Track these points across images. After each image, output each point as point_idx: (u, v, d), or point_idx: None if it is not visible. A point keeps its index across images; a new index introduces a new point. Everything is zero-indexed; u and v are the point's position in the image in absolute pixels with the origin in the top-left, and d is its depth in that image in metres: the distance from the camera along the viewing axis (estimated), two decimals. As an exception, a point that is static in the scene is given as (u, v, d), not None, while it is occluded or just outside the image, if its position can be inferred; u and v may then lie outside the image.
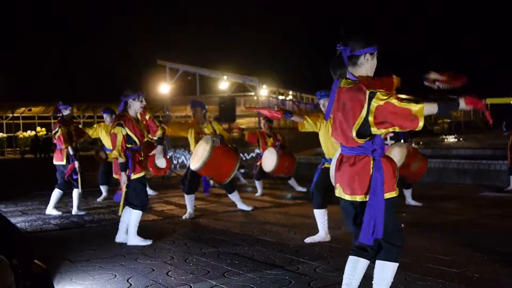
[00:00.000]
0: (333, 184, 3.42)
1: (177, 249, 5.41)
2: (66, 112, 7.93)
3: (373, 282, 3.30)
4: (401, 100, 2.95)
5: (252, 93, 16.81)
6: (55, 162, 7.88)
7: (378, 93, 3.00)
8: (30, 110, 36.02)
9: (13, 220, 7.29)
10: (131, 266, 4.75)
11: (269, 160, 9.23)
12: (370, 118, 3.02)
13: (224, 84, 17.19)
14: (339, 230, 5.99)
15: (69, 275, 4.49)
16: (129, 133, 5.58)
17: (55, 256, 5.13)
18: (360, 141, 3.09)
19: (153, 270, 4.60)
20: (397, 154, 6.97)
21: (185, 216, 7.32)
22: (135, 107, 5.71)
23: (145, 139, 5.85)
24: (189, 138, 7.43)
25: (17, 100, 33.92)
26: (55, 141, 7.85)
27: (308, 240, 5.58)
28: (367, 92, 3.01)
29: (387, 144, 7.07)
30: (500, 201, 8.20)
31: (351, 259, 3.31)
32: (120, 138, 5.53)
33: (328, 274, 4.28)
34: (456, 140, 20.69)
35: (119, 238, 5.82)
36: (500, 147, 11.21)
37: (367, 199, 3.10)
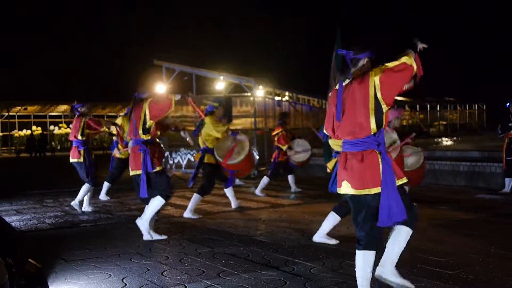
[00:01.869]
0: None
1: (172, 249, 5.41)
2: (82, 109, 8.10)
3: (386, 244, 3.52)
4: (393, 62, 3.34)
5: (249, 94, 16.80)
6: (71, 160, 8.04)
7: (376, 69, 3.36)
8: (25, 109, 35.83)
9: (8, 219, 7.27)
10: (126, 265, 4.74)
11: (303, 151, 9.83)
12: (378, 94, 3.30)
13: (220, 84, 17.17)
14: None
15: (63, 274, 4.48)
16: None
17: (49, 255, 5.12)
18: (373, 125, 3.32)
19: (148, 270, 4.59)
20: (413, 157, 7.04)
21: (190, 215, 7.38)
22: None
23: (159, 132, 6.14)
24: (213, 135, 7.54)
25: (12, 99, 33.80)
26: (72, 138, 8.03)
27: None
28: (370, 72, 3.36)
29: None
30: (494, 203, 8.22)
31: (361, 254, 3.45)
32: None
33: (323, 275, 4.29)
34: (451, 142, 20.75)
35: (146, 237, 5.92)
36: (495, 149, 11.25)
37: (380, 191, 3.31)
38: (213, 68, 17.78)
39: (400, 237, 3.52)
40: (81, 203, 8.06)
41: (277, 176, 10.19)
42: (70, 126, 8.56)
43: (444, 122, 37.27)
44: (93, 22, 45.58)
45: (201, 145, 7.61)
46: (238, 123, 16.84)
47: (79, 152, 7.90)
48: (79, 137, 7.89)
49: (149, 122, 5.86)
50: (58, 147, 33.66)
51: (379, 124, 3.35)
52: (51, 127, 34.91)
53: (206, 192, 7.59)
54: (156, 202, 5.87)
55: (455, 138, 24.12)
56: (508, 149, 9.27)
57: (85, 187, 7.95)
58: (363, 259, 3.44)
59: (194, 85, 17.24)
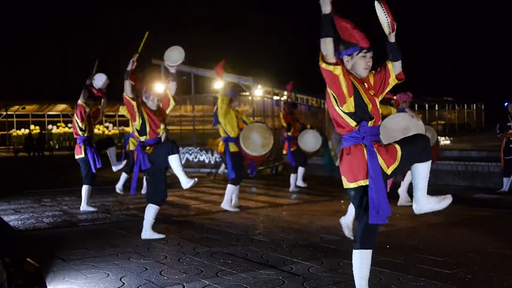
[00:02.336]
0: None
1: (171, 248, 5.40)
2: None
3: (413, 185, 3.63)
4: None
5: (247, 93, 16.78)
6: (76, 157, 8.14)
7: None
8: (24, 108, 35.83)
9: (6, 218, 7.26)
10: (124, 265, 4.73)
11: (314, 139, 10.01)
12: (331, 92, 3.39)
13: (219, 83, 17.15)
14: (333, 230, 6.00)
15: (61, 273, 4.47)
16: (145, 116, 5.90)
17: (47, 254, 5.11)
18: (350, 121, 3.40)
19: (146, 269, 4.59)
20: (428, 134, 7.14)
21: (227, 207, 7.69)
22: (148, 105, 6.09)
23: (161, 130, 6.05)
24: (229, 122, 7.67)
25: (11, 98, 33.78)
26: (75, 136, 8.14)
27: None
28: None
29: None
30: (493, 203, 8.23)
31: (358, 253, 3.45)
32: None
33: (322, 274, 4.28)
34: (450, 141, 20.77)
35: (144, 235, 5.96)
36: (494, 149, 11.26)
37: (368, 183, 3.36)
38: (211, 68, 17.76)
39: (421, 172, 3.59)
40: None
41: (306, 161, 10.28)
42: (69, 125, 8.56)
43: (443, 122, 37.30)
44: (93, 22, 45.51)
45: (222, 134, 7.71)
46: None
47: (80, 148, 7.99)
48: (80, 133, 7.98)
49: (133, 124, 5.94)
50: (57, 146, 33.64)
51: (359, 119, 3.39)
52: (49, 126, 34.87)
53: (240, 180, 7.80)
54: (172, 160, 5.89)
55: (453, 137, 24.14)
56: (506, 149, 9.29)
57: (84, 189, 8.01)
58: (360, 258, 3.44)
59: (192, 84, 17.23)
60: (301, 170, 10.10)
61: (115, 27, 42.20)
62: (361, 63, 3.46)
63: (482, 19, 42.45)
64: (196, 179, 6.02)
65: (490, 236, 5.71)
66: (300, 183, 10.06)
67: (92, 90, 8.10)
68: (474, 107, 40.15)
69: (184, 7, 45.53)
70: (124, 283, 4.16)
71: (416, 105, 35.72)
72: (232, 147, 7.64)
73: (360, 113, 3.40)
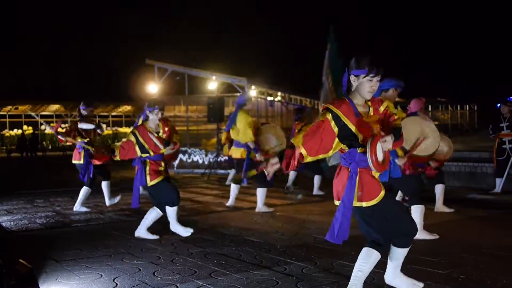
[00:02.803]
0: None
1: (164, 249, 5.39)
2: (85, 112, 8.10)
3: (389, 256, 3.67)
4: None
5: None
6: (73, 161, 8.10)
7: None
8: (16, 108, 35.69)
9: (-2, 219, 7.22)
10: (118, 266, 4.72)
11: None
12: None
13: (212, 84, 17.15)
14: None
15: (54, 274, 4.45)
16: (142, 142, 5.82)
17: (40, 255, 5.08)
18: (343, 147, 3.45)
19: (140, 270, 4.57)
20: (445, 144, 7.08)
21: (264, 209, 7.72)
22: (151, 119, 5.99)
23: (163, 151, 5.99)
24: (245, 125, 7.69)
25: (3, 98, 33.63)
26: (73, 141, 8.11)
27: None
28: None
29: None
30: (486, 203, 8.26)
31: (365, 250, 3.54)
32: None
33: (315, 275, 4.29)
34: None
35: (138, 233, 5.97)
36: (487, 150, 11.30)
37: (355, 204, 3.44)
38: (205, 68, 17.76)
39: (395, 253, 3.66)
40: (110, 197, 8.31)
41: (321, 168, 9.91)
42: (62, 126, 8.44)
43: (436, 123, 37.33)
44: (85, 21, 45.41)
45: (243, 141, 7.77)
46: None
47: (79, 153, 7.95)
48: (79, 139, 7.91)
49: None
50: (50, 147, 33.51)
51: (349, 145, 3.43)
52: (42, 127, 34.73)
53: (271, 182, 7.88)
54: (169, 211, 6.00)
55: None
56: (498, 150, 9.33)
57: (83, 190, 7.98)
58: (365, 253, 3.53)
59: (186, 85, 17.21)
60: (317, 178, 9.83)
61: (107, 27, 42.09)
62: (366, 86, 3.42)
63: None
64: (192, 230, 6.03)
65: (483, 236, 5.73)
66: (317, 191, 9.80)
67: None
68: (467, 108, 40.33)
69: (179, 8, 45.54)
70: (117, 284, 4.15)
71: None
72: (252, 154, 7.76)
73: (349, 142, 3.43)
